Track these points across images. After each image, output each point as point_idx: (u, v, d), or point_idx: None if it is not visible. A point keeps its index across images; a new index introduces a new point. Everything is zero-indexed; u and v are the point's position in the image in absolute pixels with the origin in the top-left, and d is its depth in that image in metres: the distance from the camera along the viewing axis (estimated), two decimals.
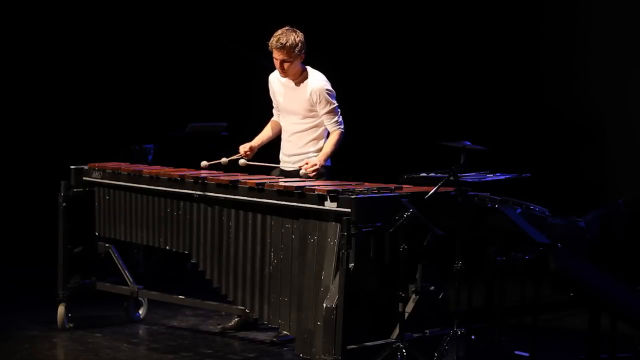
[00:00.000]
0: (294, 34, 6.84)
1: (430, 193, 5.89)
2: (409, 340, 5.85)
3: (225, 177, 6.55)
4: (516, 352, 6.23)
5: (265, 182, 6.27)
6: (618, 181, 9.22)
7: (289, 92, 6.98)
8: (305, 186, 6.08)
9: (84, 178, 7.36)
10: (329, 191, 5.91)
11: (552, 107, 9.61)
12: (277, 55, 6.85)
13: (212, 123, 8.47)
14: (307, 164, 6.82)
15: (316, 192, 5.97)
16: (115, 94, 10.10)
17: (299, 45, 6.83)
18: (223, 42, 9.83)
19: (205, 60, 10.20)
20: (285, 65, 6.84)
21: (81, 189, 7.35)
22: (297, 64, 6.87)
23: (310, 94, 6.86)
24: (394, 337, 5.86)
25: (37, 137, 10.02)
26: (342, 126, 6.92)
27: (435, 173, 6.67)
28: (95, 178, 7.30)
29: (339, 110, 6.92)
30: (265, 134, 7.22)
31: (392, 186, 6.17)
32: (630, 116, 9.21)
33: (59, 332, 7.23)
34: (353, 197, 5.81)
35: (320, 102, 6.85)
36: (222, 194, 6.48)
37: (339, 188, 5.96)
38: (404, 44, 10.15)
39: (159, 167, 7.19)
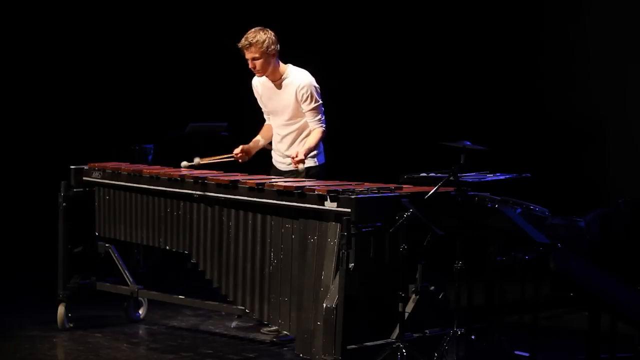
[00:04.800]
0: (261, 32, 6.82)
1: (430, 193, 5.89)
2: (409, 340, 5.85)
3: (225, 177, 6.55)
4: (516, 352, 6.23)
5: (265, 182, 6.27)
6: (618, 181, 9.22)
7: (273, 94, 6.95)
8: (305, 186, 6.08)
9: (84, 178, 7.36)
10: (329, 191, 5.91)
11: (552, 107, 9.62)
12: (247, 55, 6.82)
13: (212, 123, 8.47)
14: (293, 159, 6.75)
15: (316, 192, 5.97)
16: (115, 94, 10.10)
17: (267, 41, 6.79)
18: (223, 41, 9.82)
19: (205, 60, 10.20)
20: (256, 63, 6.80)
21: (81, 189, 7.35)
22: (269, 62, 6.83)
23: (296, 91, 6.83)
24: (394, 337, 5.86)
25: (37, 137, 10.02)
26: (324, 125, 6.88)
27: (435, 173, 6.68)
28: (95, 178, 7.30)
29: (323, 108, 6.90)
30: (262, 138, 7.18)
31: (392, 186, 6.17)
32: (630, 116, 9.21)
33: (59, 332, 7.23)
34: (353, 197, 5.81)
35: (306, 99, 6.82)
36: (222, 194, 6.47)
37: (339, 188, 5.96)
38: (405, 45, 10.15)
39: (159, 167, 7.19)
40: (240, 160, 7.06)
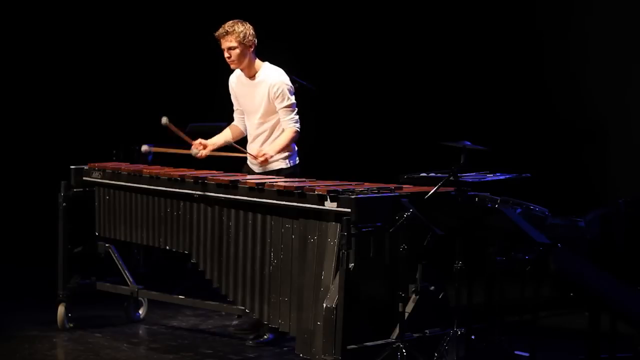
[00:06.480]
0: (240, 24, 6.80)
1: (430, 193, 5.89)
2: (409, 340, 5.85)
3: (225, 177, 6.55)
4: (516, 352, 6.23)
5: (265, 182, 6.27)
6: (618, 181, 9.22)
7: (248, 90, 6.90)
8: (305, 186, 6.08)
9: (84, 178, 7.36)
10: (329, 191, 5.91)
11: (553, 106, 9.61)
12: (223, 44, 6.78)
13: (212, 123, 8.46)
14: (260, 159, 6.73)
15: (316, 192, 5.96)
16: (115, 94, 10.10)
17: (245, 33, 6.76)
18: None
19: (205, 60, 10.19)
20: (232, 53, 6.76)
21: (81, 189, 7.35)
22: (245, 54, 6.78)
23: (269, 88, 6.79)
24: (394, 337, 5.86)
25: (37, 137, 10.02)
26: (298, 125, 6.80)
27: (435, 173, 6.68)
28: (95, 178, 7.30)
29: (297, 107, 6.85)
30: (223, 137, 7.11)
31: (392, 186, 6.17)
32: (631, 116, 9.21)
33: (59, 332, 7.23)
34: (353, 197, 5.81)
35: (278, 96, 6.76)
36: (222, 194, 6.47)
37: (339, 188, 5.96)
38: (404, 44, 10.15)
39: (159, 167, 7.19)
40: (197, 156, 6.94)
